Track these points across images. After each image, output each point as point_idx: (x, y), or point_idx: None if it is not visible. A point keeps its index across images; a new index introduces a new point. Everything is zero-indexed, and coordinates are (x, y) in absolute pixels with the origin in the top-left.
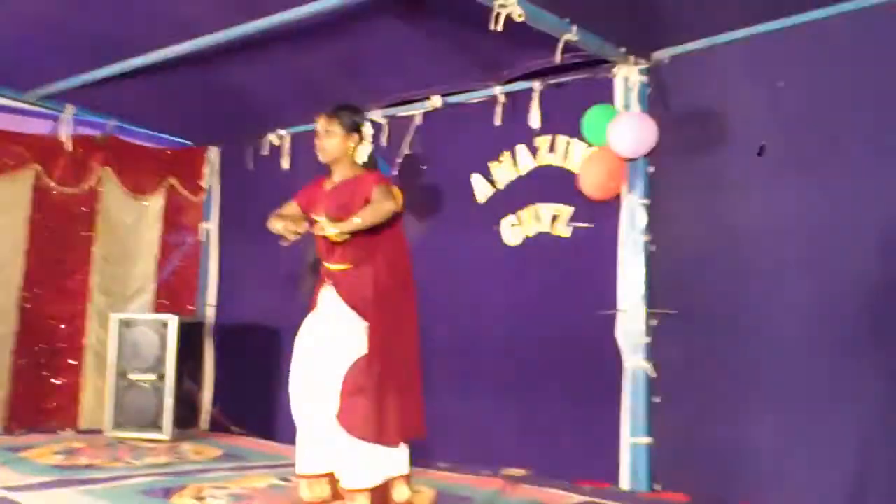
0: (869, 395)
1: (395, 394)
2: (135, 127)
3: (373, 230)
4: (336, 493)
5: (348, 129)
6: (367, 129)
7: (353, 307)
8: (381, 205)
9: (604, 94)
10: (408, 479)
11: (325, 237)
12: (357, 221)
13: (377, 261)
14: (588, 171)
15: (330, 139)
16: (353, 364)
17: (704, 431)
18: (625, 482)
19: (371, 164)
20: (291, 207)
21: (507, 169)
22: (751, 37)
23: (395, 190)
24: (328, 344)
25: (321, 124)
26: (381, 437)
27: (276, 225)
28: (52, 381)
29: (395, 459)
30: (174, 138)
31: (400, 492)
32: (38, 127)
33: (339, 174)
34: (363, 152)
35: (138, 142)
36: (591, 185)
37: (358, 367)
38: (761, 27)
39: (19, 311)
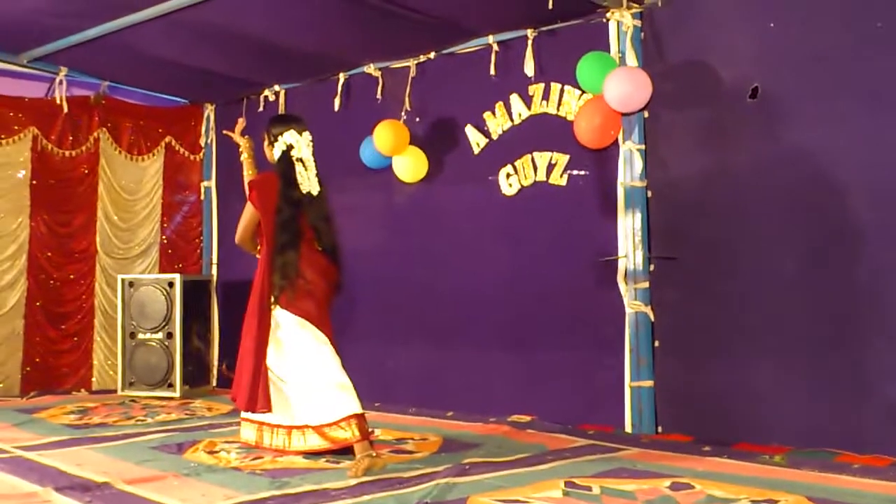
0: (864, 335)
1: None
2: (129, 87)
3: None
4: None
5: (269, 140)
6: (288, 136)
7: None
8: None
9: (598, 39)
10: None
11: None
12: None
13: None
14: (584, 120)
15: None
16: None
17: (704, 374)
18: (628, 425)
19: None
20: None
21: (502, 119)
22: None
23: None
24: None
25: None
26: None
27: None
28: (63, 343)
29: None
30: (169, 97)
31: None
32: (32, 90)
33: None
34: (275, 153)
35: (133, 101)
36: (588, 134)
37: None
38: None
39: (27, 276)
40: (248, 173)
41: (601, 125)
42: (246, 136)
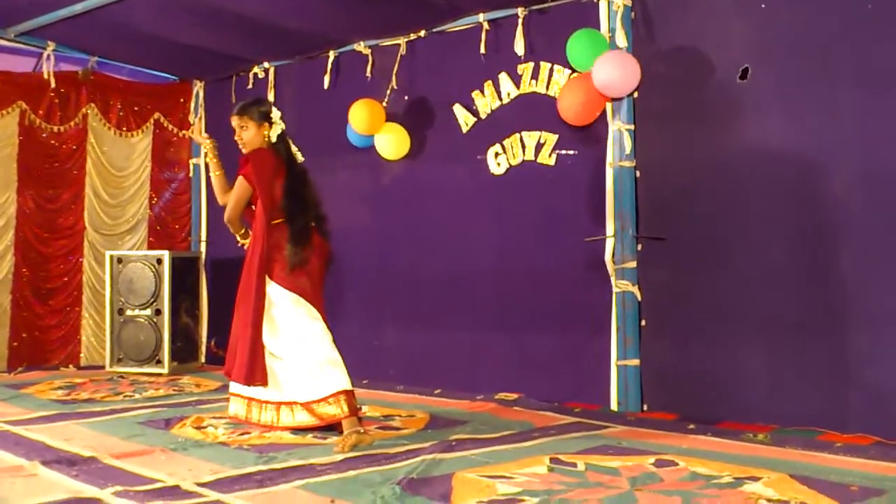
0: (848, 318)
1: None
2: (118, 62)
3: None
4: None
5: (259, 121)
6: (276, 114)
7: None
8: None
9: (588, 19)
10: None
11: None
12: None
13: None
14: (566, 98)
15: (246, 133)
16: None
17: (690, 353)
18: (614, 403)
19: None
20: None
21: (490, 97)
22: None
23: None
24: None
25: (235, 123)
26: None
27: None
28: (51, 318)
29: None
30: (158, 73)
31: None
32: (20, 65)
33: None
34: (275, 134)
35: (122, 77)
36: (569, 111)
37: None
38: None
39: (15, 251)
40: (215, 173)
41: (584, 102)
42: (207, 137)
